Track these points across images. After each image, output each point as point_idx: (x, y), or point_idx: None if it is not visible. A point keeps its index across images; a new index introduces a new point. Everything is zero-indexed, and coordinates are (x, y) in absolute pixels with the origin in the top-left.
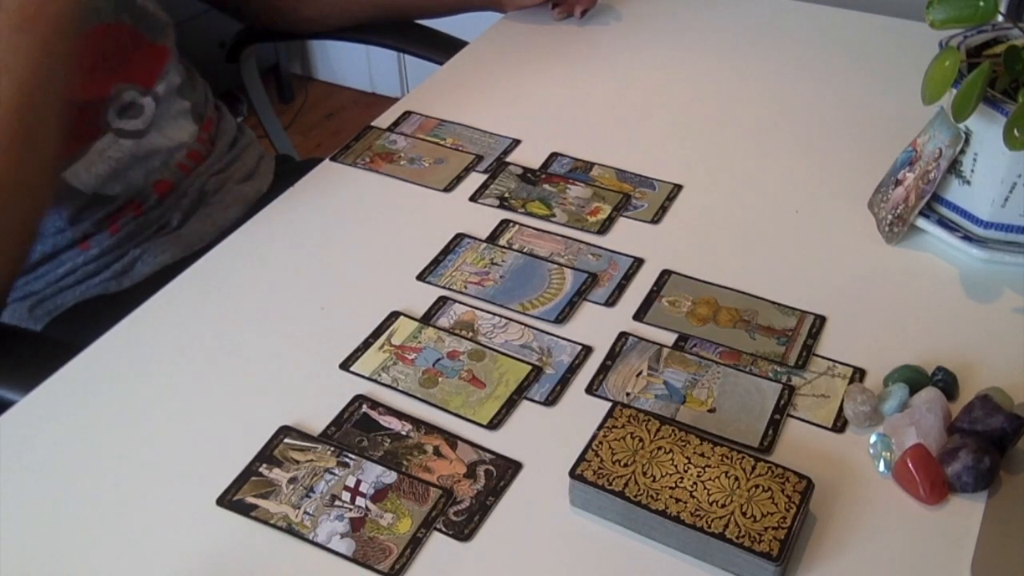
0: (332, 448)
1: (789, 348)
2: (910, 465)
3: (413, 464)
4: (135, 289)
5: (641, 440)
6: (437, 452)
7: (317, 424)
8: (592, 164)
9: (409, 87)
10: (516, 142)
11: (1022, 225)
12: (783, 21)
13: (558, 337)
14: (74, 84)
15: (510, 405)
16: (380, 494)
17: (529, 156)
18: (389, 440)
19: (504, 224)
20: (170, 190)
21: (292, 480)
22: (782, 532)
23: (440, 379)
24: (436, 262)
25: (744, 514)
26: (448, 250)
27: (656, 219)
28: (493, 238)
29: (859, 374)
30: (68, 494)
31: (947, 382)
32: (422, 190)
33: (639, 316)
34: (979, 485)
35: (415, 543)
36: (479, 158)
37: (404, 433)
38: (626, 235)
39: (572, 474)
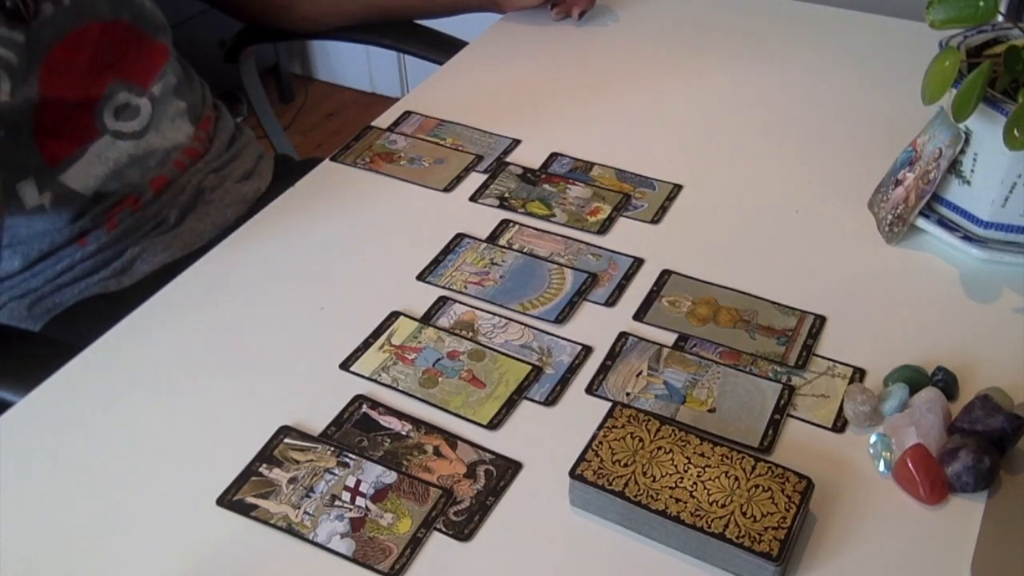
0: (332, 448)
1: (789, 348)
2: (910, 465)
3: (413, 464)
4: (134, 288)
5: (641, 440)
6: (437, 452)
7: (317, 424)
8: (592, 164)
9: (409, 87)
10: (516, 142)
11: (1022, 225)
12: (783, 21)
13: (558, 337)
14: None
15: (510, 405)
16: (380, 494)
17: (529, 156)
18: (389, 440)
19: (504, 224)
20: (166, 186)
21: (292, 480)
22: (782, 532)
23: (440, 379)
24: (436, 262)
25: (744, 514)
26: (448, 250)
27: (656, 219)
28: (493, 238)
29: (859, 374)
30: (68, 494)
31: (947, 382)
32: (422, 190)
33: (639, 316)
34: (979, 485)
35: (415, 543)
36: (479, 158)
37: (404, 433)
38: (626, 235)
39: (572, 474)
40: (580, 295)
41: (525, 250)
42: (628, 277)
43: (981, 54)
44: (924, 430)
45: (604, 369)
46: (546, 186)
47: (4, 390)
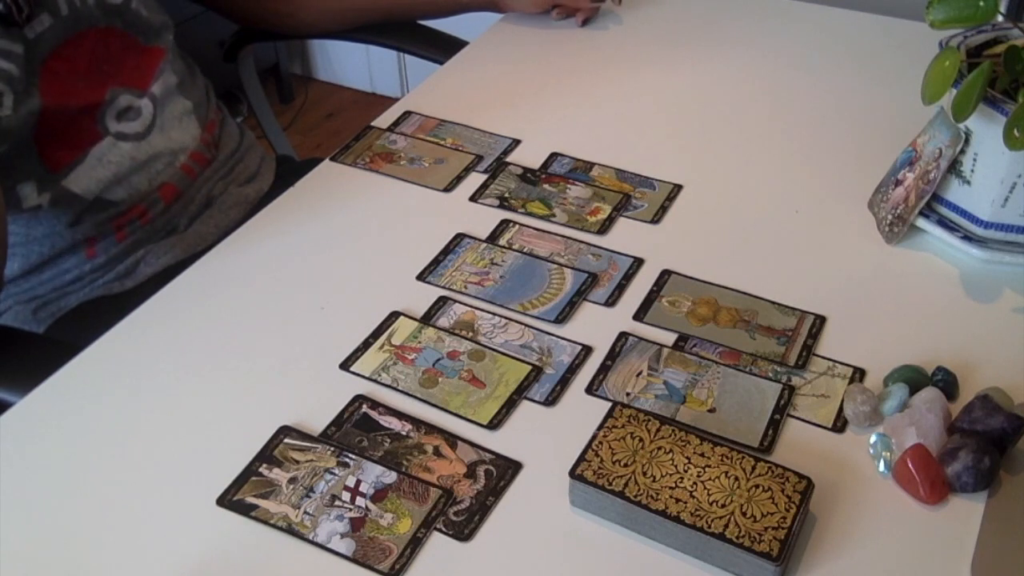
0: (332, 448)
1: (789, 348)
2: (910, 465)
3: (413, 464)
4: (137, 290)
5: (641, 440)
6: (437, 452)
7: (317, 424)
8: (592, 164)
9: (409, 87)
10: (516, 142)
11: (1022, 225)
12: (783, 21)
13: (558, 337)
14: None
15: (510, 405)
16: (380, 494)
17: (529, 156)
18: (389, 440)
19: (504, 224)
20: (177, 196)
21: (292, 480)
22: (782, 532)
23: (440, 379)
24: (436, 262)
25: (744, 514)
26: (448, 250)
27: (656, 219)
28: (493, 238)
29: (859, 374)
30: (68, 494)
31: (947, 382)
32: (422, 190)
33: (639, 316)
34: (979, 485)
35: (415, 543)
36: (479, 158)
37: (404, 433)
38: (626, 235)
39: (572, 474)
40: (580, 295)
41: (525, 250)
42: (628, 277)
43: (981, 54)
44: (924, 430)
45: (604, 369)
46: (546, 186)
47: (7, 391)
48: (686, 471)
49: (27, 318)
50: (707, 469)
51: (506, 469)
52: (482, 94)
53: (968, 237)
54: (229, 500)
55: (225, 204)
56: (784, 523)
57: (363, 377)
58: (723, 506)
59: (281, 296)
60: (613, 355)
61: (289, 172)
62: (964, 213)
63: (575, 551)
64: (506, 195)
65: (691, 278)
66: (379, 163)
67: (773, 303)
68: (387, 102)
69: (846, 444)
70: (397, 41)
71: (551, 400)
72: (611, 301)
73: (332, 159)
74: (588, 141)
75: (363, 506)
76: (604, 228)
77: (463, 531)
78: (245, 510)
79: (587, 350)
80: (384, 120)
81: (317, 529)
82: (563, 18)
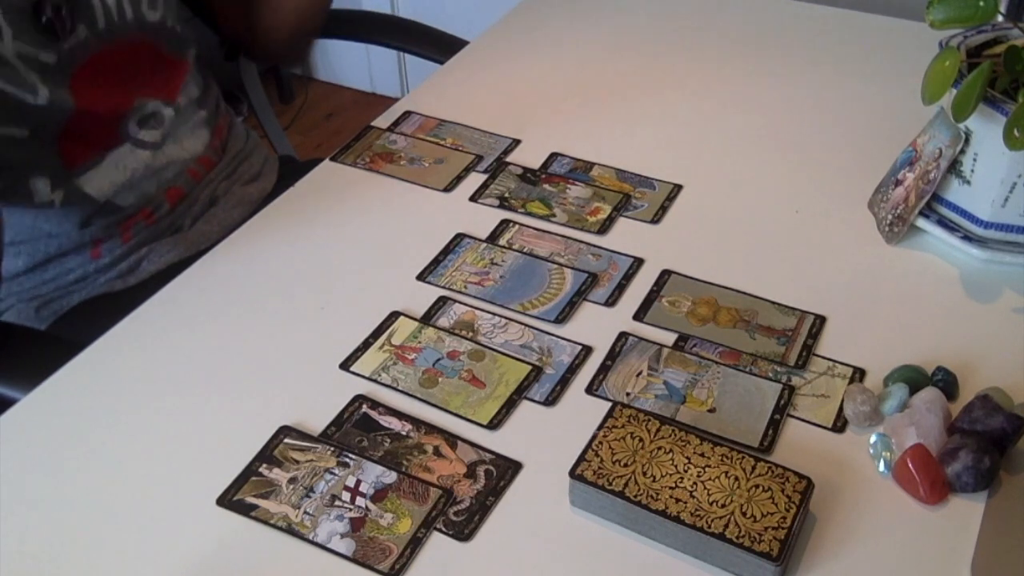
0: (332, 448)
1: (789, 348)
2: (910, 465)
3: (413, 464)
4: (139, 287)
5: (641, 440)
6: (437, 452)
7: (317, 424)
8: (592, 164)
9: (409, 87)
10: (516, 142)
11: (1022, 225)
12: (783, 21)
13: (558, 337)
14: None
15: (510, 405)
16: (380, 494)
17: (529, 156)
18: (389, 440)
19: (504, 224)
20: (182, 198)
21: (292, 480)
22: (782, 532)
23: (440, 379)
24: (436, 262)
25: (744, 514)
26: (448, 250)
27: (656, 219)
28: (493, 238)
29: (859, 374)
30: (68, 493)
31: (947, 382)
32: (422, 190)
33: (639, 316)
34: (979, 485)
35: (415, 543)
36: (479, 158)
37: (404, 433)
38: (626, 235)
39: (572, 474)
40: (580, 295)
41: (525, 250)
42: (628, 277)
43: (981, 54)
44: (924, 430)
45: (604, 369)
46: (546, 186)
47: (10, 388)
48: (686, 471)
49: (30, 316)
50: (707, 469)
51: (506, 469)
52: (482, 94)
53: (968, 237)
54: (229, 500)
55: (229, 203)
56: (784, 523)
57: (363, 377)
58: (723, 506)
59: (281, 296)
60: (613, 355)
61: (292, 173)
62: (964, 213)
63: (575, 551)
64: (506, 195)
65: (691, 278)
66: (379, 163)
67: (773, 303)
68: (387, 102)
69: (846, 444)
70: (397, 41)
71: (551, 400)
72: (611, 301)
73: (332, 159)
74: (588, 141)
75: (363, 506)
76: (604, 228)
77: (463, 531)
78: (245, 510)
79: (587, 350)
80: (384, 120)
81: (317, 529)
82: None
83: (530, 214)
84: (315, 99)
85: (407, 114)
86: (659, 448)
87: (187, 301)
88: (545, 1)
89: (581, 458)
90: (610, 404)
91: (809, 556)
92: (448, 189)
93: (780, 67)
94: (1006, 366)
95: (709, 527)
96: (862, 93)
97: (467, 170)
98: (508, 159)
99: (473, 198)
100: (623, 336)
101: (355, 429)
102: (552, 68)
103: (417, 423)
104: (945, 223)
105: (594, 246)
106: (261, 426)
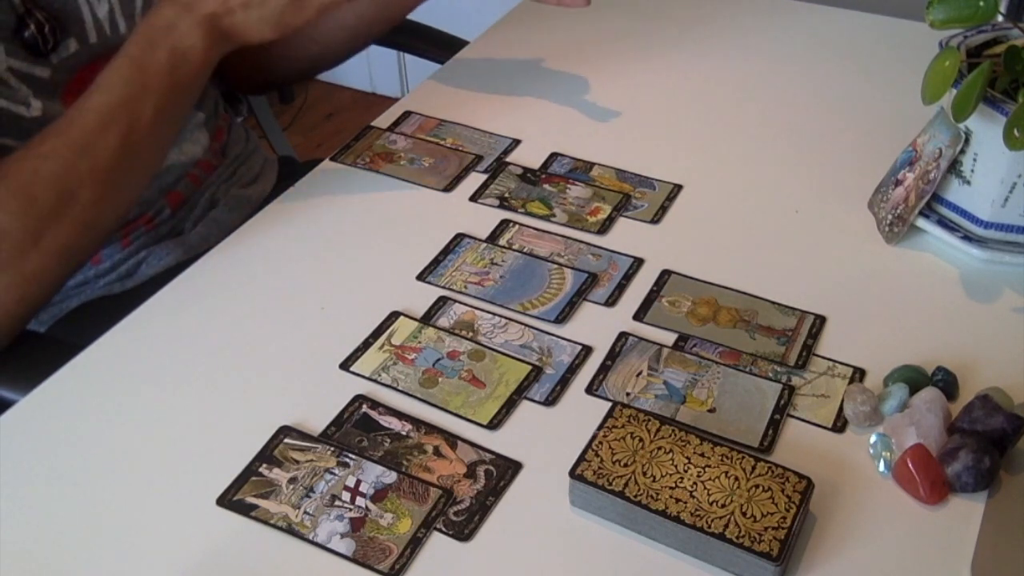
0: (332, 448)
1: (789, 348)
2: (910, 465)
3: (413, 464)
4: (138, 290)
5: (641, 440)
6: (437, 452)
7: (317, 424)
8: (592, 164)
9: (409, 87)
10: (516, 142)
11: (1022, 225)
12: (783, 21)
13: (558, 337)
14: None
15: (510, 405)
16: (380, 494)
17: (529, 156)
18: (389, 440)
19: (504, 224)
20: (182, 202)
21: (292, 480)
22: (782, 532)
23: (440, 379)
24: (436, 262)
25: (744, 514)
26: (448, 250)
27: (656, 219)
28: (493, 238)
29: (859, 374)
30: (68, 494)
31: (947, 382)
32: (422, 190)
33: (639, 316)
34: (979, 485)
35: (415, 543)
36: (479, 158)
37: (404, 433)
38: (626, 235)
39: (572, 474)
40: (580, 295)
41: (525, 250)
42: (628, 277)
43: (981, 54)
44: (924, 430)
45: (604, 369)
46: (546, 186)
47: (8, 389)
48: (686, 471)
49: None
50: (707, 469)
51: (506, 469)
52: (482, 94)
53: (968, 237)
54: (229, 500)
55: (228, 206)
56: (784, 523)
57: (363, 377)
58: (723, 506)
59: (281, 296)
60: (613, 355)
61: (292, 174)
62: (964, 213)
63: (575, 551)
64: (506, 195)
65: (691, 278)
66: (379, 163)
67: (773, 303)
68: (387, 102)
69: (846, 444)
70: (397, 41)
71: (551, 400)
72: (611, 301)
73: (332, 159)
74: (588, 141)
75: (363, 506)
76: (604, 228)
77: (463, 531)
78: (245, 510)
79: (587, 350)
80: (384, 120)
81: (317, 529)
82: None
83: (530, 214)
84: (315, 99)
85: (407, 114)
86: (659, 448)
87: (187, 301)
88: None
89: (581, 458)
90: (610, 404)
91: (809, 556)
92: (448, 189)
93: (780, 67)
94: (1006, 366)
95: (709, 527)
96: (862, 93)
97: (467, 170)
98: (508, 159)
99: (473, 198)
100: (623, 336)
101: (355, 429)
102: (552, 68)
103: (417, 423)
104: (945, 223)
105: (594, 246)
106: (261, 426)
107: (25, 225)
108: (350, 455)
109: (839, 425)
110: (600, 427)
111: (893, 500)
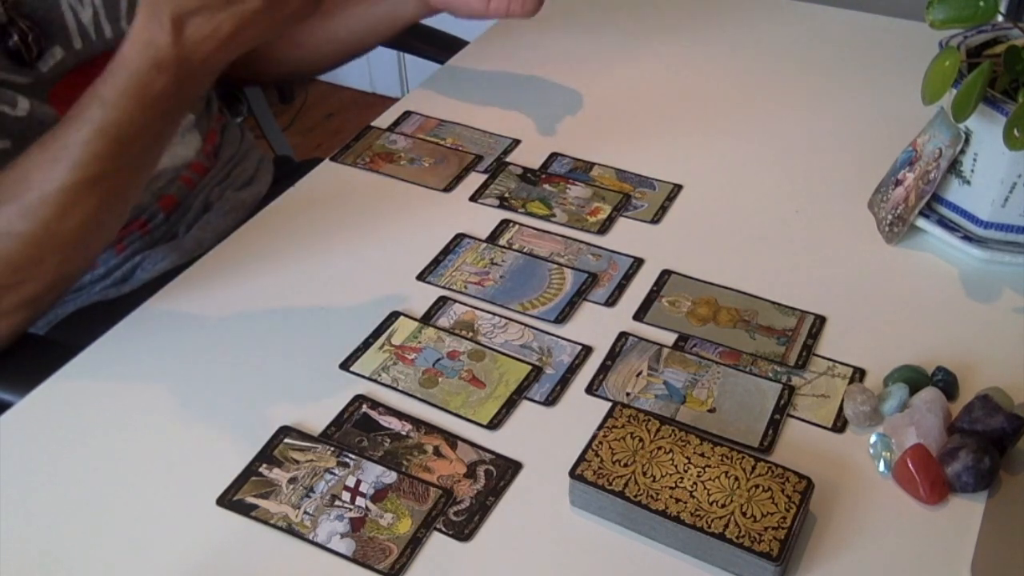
0: (332, 448)
1: (789, 348)
2: (910, 465)
3: (413, 464)
4: (134, 294)
5: (641, 440)
6: (437, 452)
7: (317, 424)
8: (592, 164)
9: (409, 87)
10: (516, 142)
11: (1022, 225)
12: (783, 21)
13: (558, 337)
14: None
15: (510, 405)
16: (380, 494)
17: (529, 156)
18: (389, 440)
19: (504, 224)
20: (176, 205)
21: (292, 480)
22: (782, 532)
23: (440, 379)
24: (436, 262)
25: (744, 514)
26: (448, 250)
27: (656, 219)
28: (493, 238)
29: (859, 374)
30: (68, 494)
31: (947, 382)
32: (422, 190)
33: (639, 316)
34: (979, 485)
35: (415, 543)
36: (479, 158)
37: (404, 433)
38: (626, 235)
39: (572, 474)
40: (580, 295)
41: (525, 250)
42: (628, 277)
43: (981, 54)
44: (924, 430)
45: (604, 369)
46: (546, 186)
47: (6, 391)
48: (686, 471)
49: None
50: (707, 469)
51: (506, 469)
52: (482, 94)
53: (968, 237)
54: (229, 500)
55: (222, 209)
56: (784, 523)
57: (363, 377)
58: (723, 506)
59: (281, 296)
60: (613, 355)
61: (289, 173)
62: (964, 213)
63: (575, 551)
64: (506, 195)
65: (691, 278)
66: (379, 163)
67: (773, 303)
68: (387, 102)
69: (846, 444)
70: (397, 41)
71: (551, 400)
72: (611, 301)
73: (332, 159)
74: (588, 141)
75: (363, 506)
76: (604, 228)
77: (463, 531)
78: (245, 510)
79: (587, 350)
80: (384, 120)
81: (317, 529)
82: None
83: (530, 214)
84: (315, 99)
85: (407, 114)
86: (659, 448)
87: (186, 302)
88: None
89: (581, 458)
90: (610, 404)
91: (809, 556)
92: (448, 189)
93: (780, 67)
94: (1006, 366)
95: (709, 527)
96: (862, 93)
97: (467, 170)
98: (508, 159)
99: (473, 198)
100: (623, 336)
101: (355, 429)
102: (552, 68)
103: (417, 423)
104: (945, 223)
105: (594, 246)
106: (261, 426)
107: None
108: (350, 455)
109: (839, 425)
110: (600, 427)
111: (893, 500)
